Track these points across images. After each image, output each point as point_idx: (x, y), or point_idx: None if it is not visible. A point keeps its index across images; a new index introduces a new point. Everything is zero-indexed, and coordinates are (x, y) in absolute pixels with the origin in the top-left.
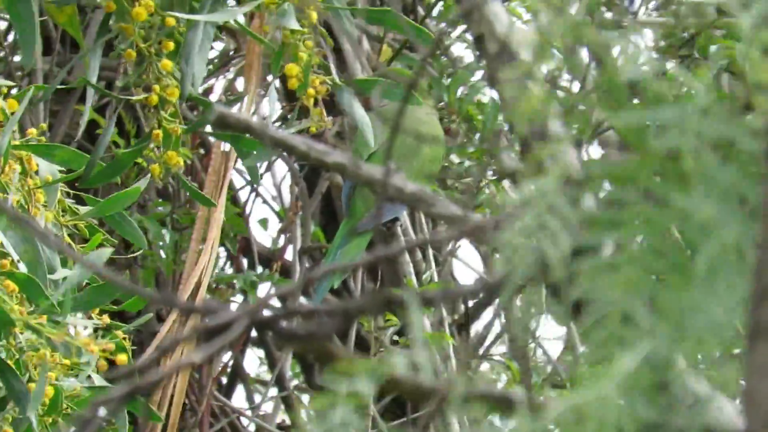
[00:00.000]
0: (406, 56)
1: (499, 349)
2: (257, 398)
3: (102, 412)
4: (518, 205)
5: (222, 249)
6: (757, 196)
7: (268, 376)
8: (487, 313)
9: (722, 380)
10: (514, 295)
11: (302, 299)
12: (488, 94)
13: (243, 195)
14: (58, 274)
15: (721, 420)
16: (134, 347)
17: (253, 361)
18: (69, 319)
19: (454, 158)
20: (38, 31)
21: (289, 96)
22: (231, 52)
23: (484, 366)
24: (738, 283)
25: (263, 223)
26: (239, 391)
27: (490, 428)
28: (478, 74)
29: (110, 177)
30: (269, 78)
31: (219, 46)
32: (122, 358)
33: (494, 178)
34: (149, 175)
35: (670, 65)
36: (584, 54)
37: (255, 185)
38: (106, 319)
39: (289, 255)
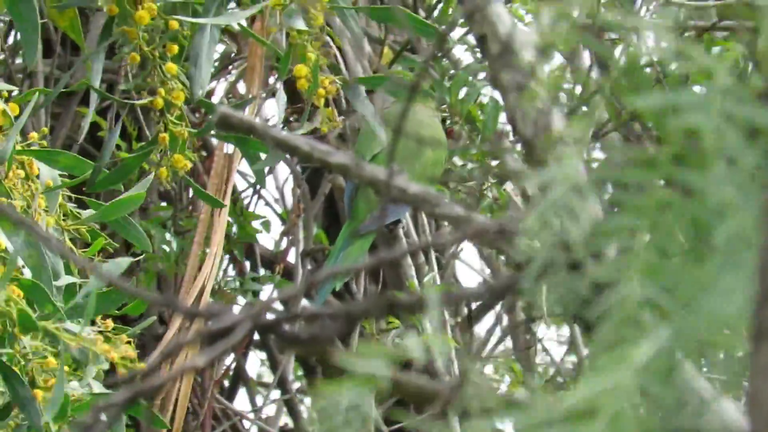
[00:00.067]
0: (408, 58)
1: (502, 351)
2: (260, 401)
3: (104, 417)
4: (540, 187)
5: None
6: None
7: (270, 379)
8: (490, 316)
9: (726, 381)
10: (535, 282)
11: (305, 302)
12: (489, 95)
13: (245, 197)
14: (62, 280)
15: (725, 421)
16: (137, 351)
17: (256, 363)
18: (69, 324)
19: (457, 161)
20: (40, 33)
21: (291, 98)
22: (232, 55)
23: (488, 368)
24: (751, 265)
25: (266, 225)
26: (242, 394)
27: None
28: (480, 75)
29: (116, 182)
30: (271, 80)
31: (220, 48)
32: (140, 366)
33: (496, 180)
34: (151, 176)
35: (692, 46)
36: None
37: (258, 187)
38: (109, 323)
39: (291, 257)
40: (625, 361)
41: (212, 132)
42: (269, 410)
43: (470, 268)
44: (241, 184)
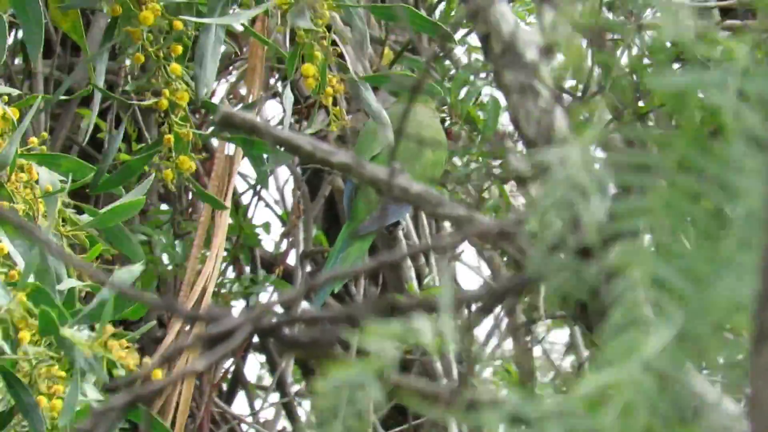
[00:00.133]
0: (409, 58)
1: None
2: (258, 404)
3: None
4: (551, 167)
5: (224, 253)
6: None
7: (269, 382)
8: (490, 318)
9: (727, 383)
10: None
11: (304, 305)
12: (489, 95)
13: (245, 198)
14: (64, 284)
15: (727, 423)
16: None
17: (255, 367)
18: (67, 330)
19: (457, 161)
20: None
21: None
22: (233, 56)
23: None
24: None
25: (266, 227)
26: (240, 398)
27: None
28: (480, 75)
29: (119, 184)
30: (272, 81)
31: (221, 49)
32: (158, 373)
33: (498, 181)
34: (150, 180)
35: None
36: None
37: (258, 189)
38: (109, 328)
39: (291, 259)
40: (635, 351)
41: (220, 133)
42: (268, 414)
43: (471, 269)
44: (240, 186)
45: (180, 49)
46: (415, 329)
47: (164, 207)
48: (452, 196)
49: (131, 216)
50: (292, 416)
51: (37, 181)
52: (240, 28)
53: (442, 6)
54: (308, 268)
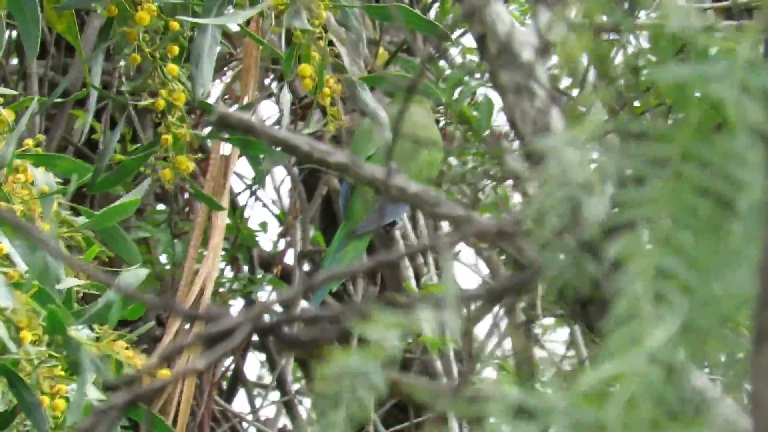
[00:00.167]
0: (403, 59)
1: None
2: (259, 403)
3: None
4: (555, 153)
5: (222, 252)
6: None
7: (269, 381)
8: (489, 318)
9: (728, 382)
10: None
11: (303, 304)
12: (483, 94)
13: (242, 198)
14: (64, 284)
15: (727, 423)
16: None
17: (255, 365)
18: (73, 331)
19: (454, 161)
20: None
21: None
22: (227, 56)
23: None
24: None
25: (263, 226)
26: (241, 396)
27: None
28: (475, 75)
29: (115, 183)
30: (266, 81)
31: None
32: (164, 372)
33: (495, 181)
34: (146, 183)
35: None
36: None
37: (255, 188)
38: (107, 328)
39: (289, 259)
40: (639, 343)
41: (217, 134)
42: (269, 412)
43: (469, 268)
44: (237, 186)
45: (176, 49)
46: (418, 319)
47: (161, 207)
48: (448, 196)
49: (127, 216)
50: (292, 414)
51: (32, 183)
52: (236, 29)
53: (436, 6)
54: (306, 268)
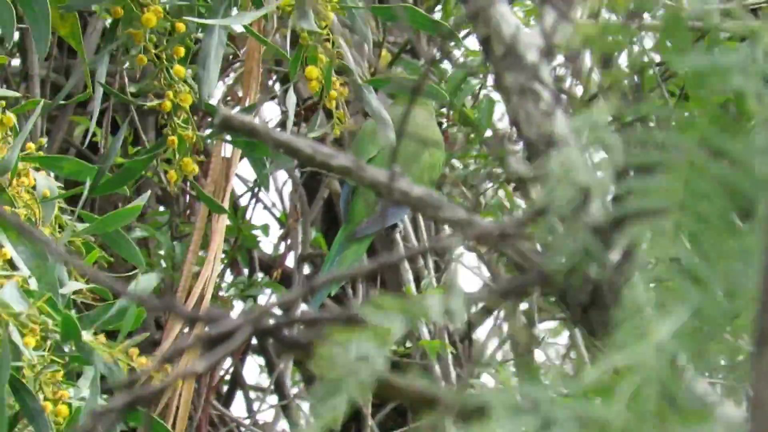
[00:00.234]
0: (406, 60)
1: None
2: (256, 407)
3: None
4: (565, 138)
5: (222, 255)
6: None
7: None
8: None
9: (728, 385)
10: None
11: (303, 307)
12: (485, 95)
13: (243, 201)
14: (66, 288)
15: (728, 426)
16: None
17: (255, 370)
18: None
19: (457, 163)
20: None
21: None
22: (230, 57)
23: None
24: None
25: (264, 229)
26: (239, 400)
27: None
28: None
29: (120, 186)
30: (269, 83)
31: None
32: (163, 374)
33: (498, 183)
34: (147, 194)
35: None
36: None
37: (256, 191)
38: (102, 337)
39: (290, 262)
40: (646, 336)
41: (221, 136)
42: (267, 416)
43: (471, 271)
44: (239, 188)
45: (182, 51)
46: (424, 304)
47: (162, 209)
48: (450, 199)
49: (128, 222)
50: (291, 418)
51: (34, 187)
52: (241, 30)
53: (439, 8)
54: (306, 271)
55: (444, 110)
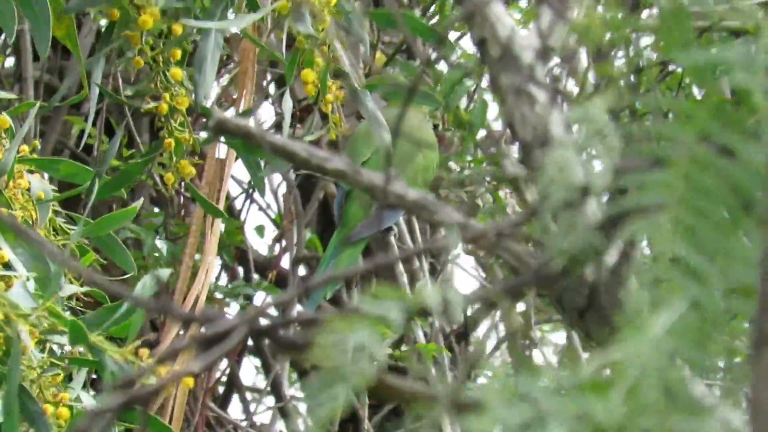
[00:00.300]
0: (401, 62)
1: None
2: (253, 408)
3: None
4: (565, 130)
5: (217, 257)
6: None
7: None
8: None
9: (726, 388)
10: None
11: (299, 308)
12: (479, 96)
13: (238, 202)
14: (65, 291)
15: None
16: None
17: (250, 370)
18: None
19: (453, 166)
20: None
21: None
22: (224, 58)
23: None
24: None
25: (259, 230)
26: (236, 402)
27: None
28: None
29: (117, 189)
30: (264, 84)
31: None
32: (188, 381)
33: (494, 185)
34: (141, 201)
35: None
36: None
37: (251, 192)
38: (95, 337)
39: (285, 263)
40: (643, 329)
41: (217, 139)
42: (264, 418)
43: (467, 273)
44: (234, 190)
45: (179, 53)
46: (421, 294)
47: (156, 210)
48: (445, 201)
49: (123, 225)
50: (287, 420)
51: (28, 190)
52: (237, 32)
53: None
54: (301, 273)
55: (439, 113)
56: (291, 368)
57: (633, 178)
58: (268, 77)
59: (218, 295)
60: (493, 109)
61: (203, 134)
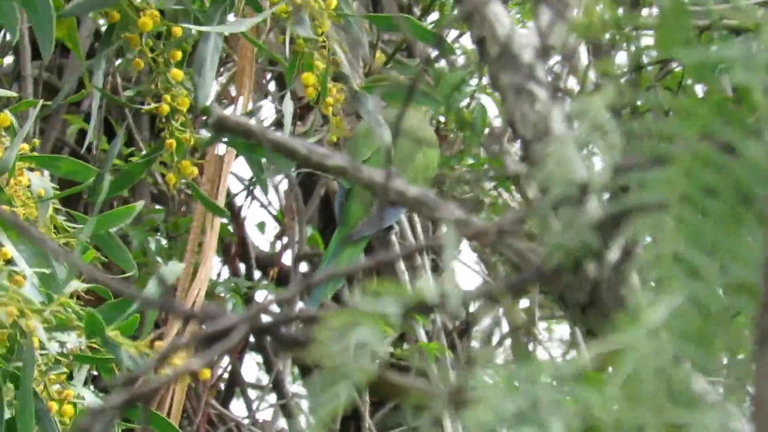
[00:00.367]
0: (399, 62)
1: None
2: (256, 405)
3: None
4: (565, 124)
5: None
6: None
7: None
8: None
9: (729, 385)
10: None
11: (301, 305)
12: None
13: (239, 199)
14: (69, 288)
15: (729, 427)
16: None
17: (252, 367)
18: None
19: (456, 165)
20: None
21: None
22: (223, 57)
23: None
24: None
25: (260, 227)
26: (238, 399)
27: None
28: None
29: (120, 189)
30: (263, 82)
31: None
32: (206, 373)
33: (496, 183)
34: (141, 203)
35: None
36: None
37: (252, 189)
38: (111, 331)
39: (286, 260)
40: (639, 319)
41: (218, 138)
42: (266, 415)
43: (470, 268)
44: (235, 186)
45: (179, 55)
46: (419, 288)
47: (157, 207)
48: (448, 198)
49: (124, 223)
50: (290, 417)
51: (29, 187)
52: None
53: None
54: (303, 270)
55: (440, 112)
56: (293, 365)
57: (634, 176)
58: (268, 75)
59: (221, 295)
60: (492, 109)
61: (204, 133)
